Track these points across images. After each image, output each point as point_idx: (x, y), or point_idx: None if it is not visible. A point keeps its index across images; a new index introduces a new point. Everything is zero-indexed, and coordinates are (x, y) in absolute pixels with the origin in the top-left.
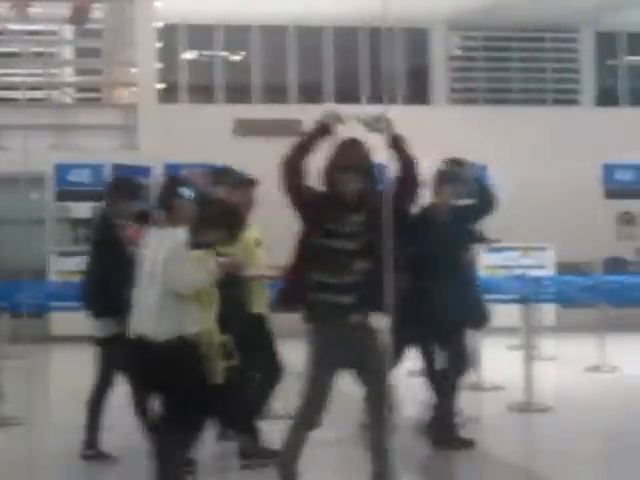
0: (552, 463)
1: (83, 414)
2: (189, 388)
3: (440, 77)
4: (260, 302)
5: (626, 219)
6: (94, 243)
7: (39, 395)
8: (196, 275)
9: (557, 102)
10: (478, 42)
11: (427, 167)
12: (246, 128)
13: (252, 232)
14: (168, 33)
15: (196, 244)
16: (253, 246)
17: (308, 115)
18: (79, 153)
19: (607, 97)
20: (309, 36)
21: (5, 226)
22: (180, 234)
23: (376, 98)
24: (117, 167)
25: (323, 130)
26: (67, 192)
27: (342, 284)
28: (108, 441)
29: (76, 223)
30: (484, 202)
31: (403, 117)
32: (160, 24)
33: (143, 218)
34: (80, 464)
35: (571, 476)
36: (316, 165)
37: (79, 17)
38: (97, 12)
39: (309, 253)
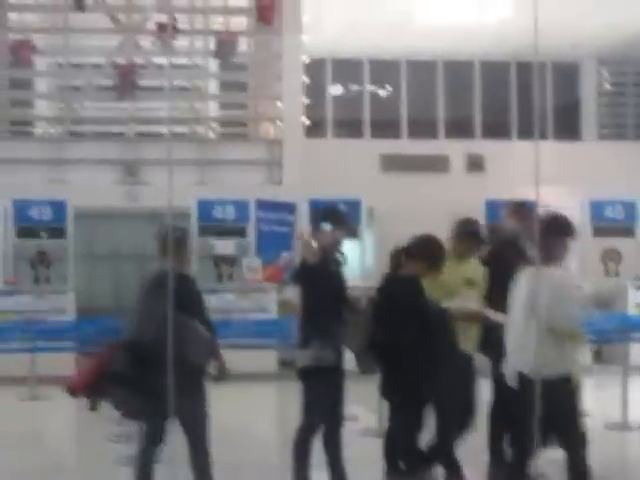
0: None
1: (222, 453)
2: (577, 426)
3: (590, 112)
4: (467, 342)
5: None
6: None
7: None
8: (576, 315)
9: None
10: (629, 77)
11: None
12: (393, 163)
13: (465, 270)
14: (314, 67)
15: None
16: (460, 284)
17: (456, 151)
18: (222, 189)
19: None
20: (458, 71)
21: (150, 262)
22: (561, 274)
23: (526, 133)
24: (261, 203)
25: None
26: (210, 228)
27: None
28: None
29: (219, 260)
30: None
31: (554, 153)
32: (307, 58)
33: (519, 256)
34: None
35: None
36: None
37: (225, 51)
38: (243, 46)
39: None
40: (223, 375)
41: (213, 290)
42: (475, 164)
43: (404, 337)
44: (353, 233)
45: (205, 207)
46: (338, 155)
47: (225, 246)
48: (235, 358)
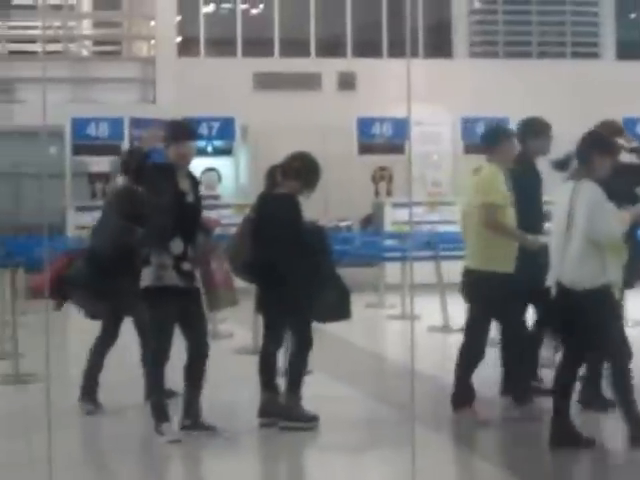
0: None
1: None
2: (612, 333)
3: (462, 30)
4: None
5: None
6: None
7: (56, 351)
8: (617, 227)
9: (576, 55)
10: None
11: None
12: (265, 82)
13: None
14: None
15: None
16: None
17: (328, 69)
18: (97, 107)
19: (628, 51)
20: None
21: (24, 180)
22: (598, 187)
23: (397, 51)
24: (135, 121)
25: None
26: (84, 146)
27: None
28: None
29: (93, 177)
30: None
31: (425, 71)
32: None
33: (562, 167)
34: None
35: None
36: None
37: None
38: None
39: None
40: None
41: (87, 207)
42: (347, 82)
43: (281, 256)
44: (228, 151)
45: (79, 125)
46: (211, 73)
47: (99, 164)
48: None
